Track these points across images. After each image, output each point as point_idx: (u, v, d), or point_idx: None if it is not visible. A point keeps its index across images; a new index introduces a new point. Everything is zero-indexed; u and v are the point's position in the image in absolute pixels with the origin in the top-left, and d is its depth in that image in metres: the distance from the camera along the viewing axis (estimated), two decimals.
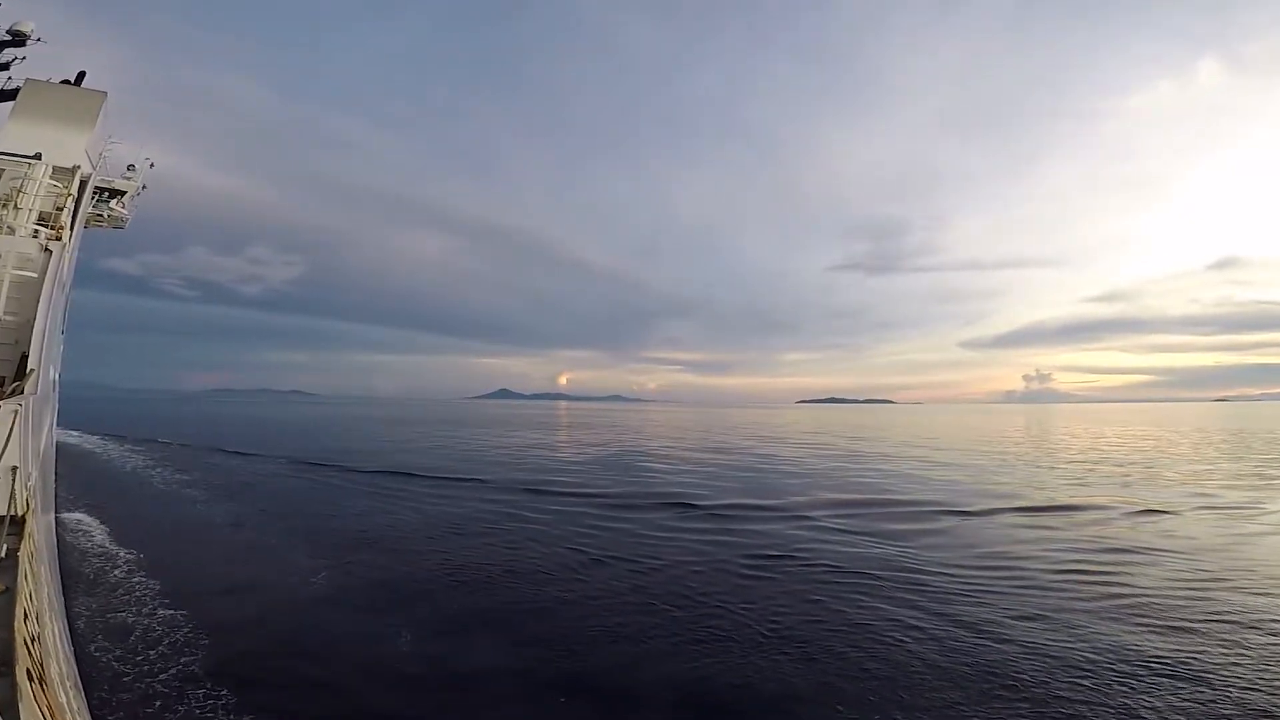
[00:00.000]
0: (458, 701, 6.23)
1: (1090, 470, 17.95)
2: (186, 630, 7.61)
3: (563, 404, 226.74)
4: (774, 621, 7.37)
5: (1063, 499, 12.89)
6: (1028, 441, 31.22)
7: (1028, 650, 6.44)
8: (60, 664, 4.59)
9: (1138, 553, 9.25)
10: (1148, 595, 7.64)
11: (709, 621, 7.41)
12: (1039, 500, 12.68)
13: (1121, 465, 19.27)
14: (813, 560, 9.95)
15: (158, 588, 9.12)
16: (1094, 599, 7.66)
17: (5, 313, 8.54)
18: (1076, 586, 8.27)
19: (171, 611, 8.18)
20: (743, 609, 7.77)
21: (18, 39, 14.77)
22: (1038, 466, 18.77)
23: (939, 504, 13.10)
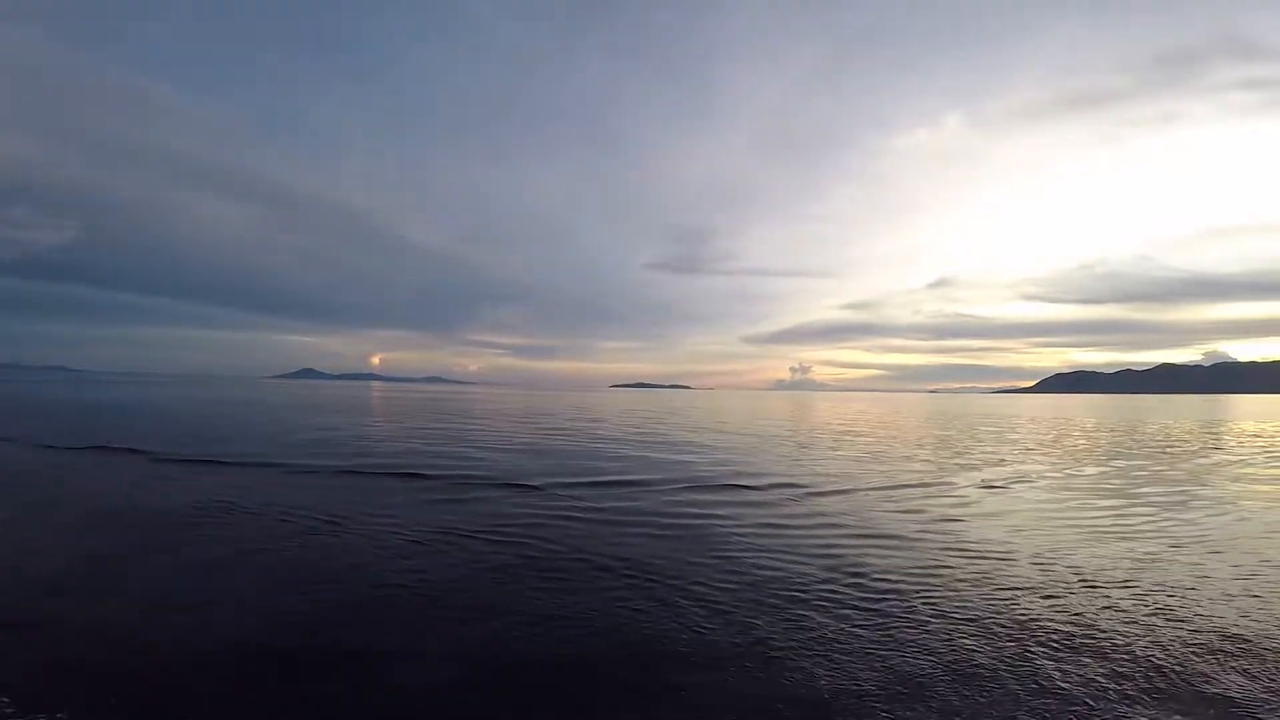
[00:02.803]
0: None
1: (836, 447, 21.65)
2: None
3: (374, 385, 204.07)
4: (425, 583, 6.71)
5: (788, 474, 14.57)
6: (793, 422, 37.03)
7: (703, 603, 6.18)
8: None
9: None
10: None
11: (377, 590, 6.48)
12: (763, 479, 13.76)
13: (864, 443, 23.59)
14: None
15: None
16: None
17: None
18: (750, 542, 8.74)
19: None
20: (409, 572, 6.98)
21: None
22: (793, 447, 21.15)
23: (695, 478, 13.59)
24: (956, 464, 17.18)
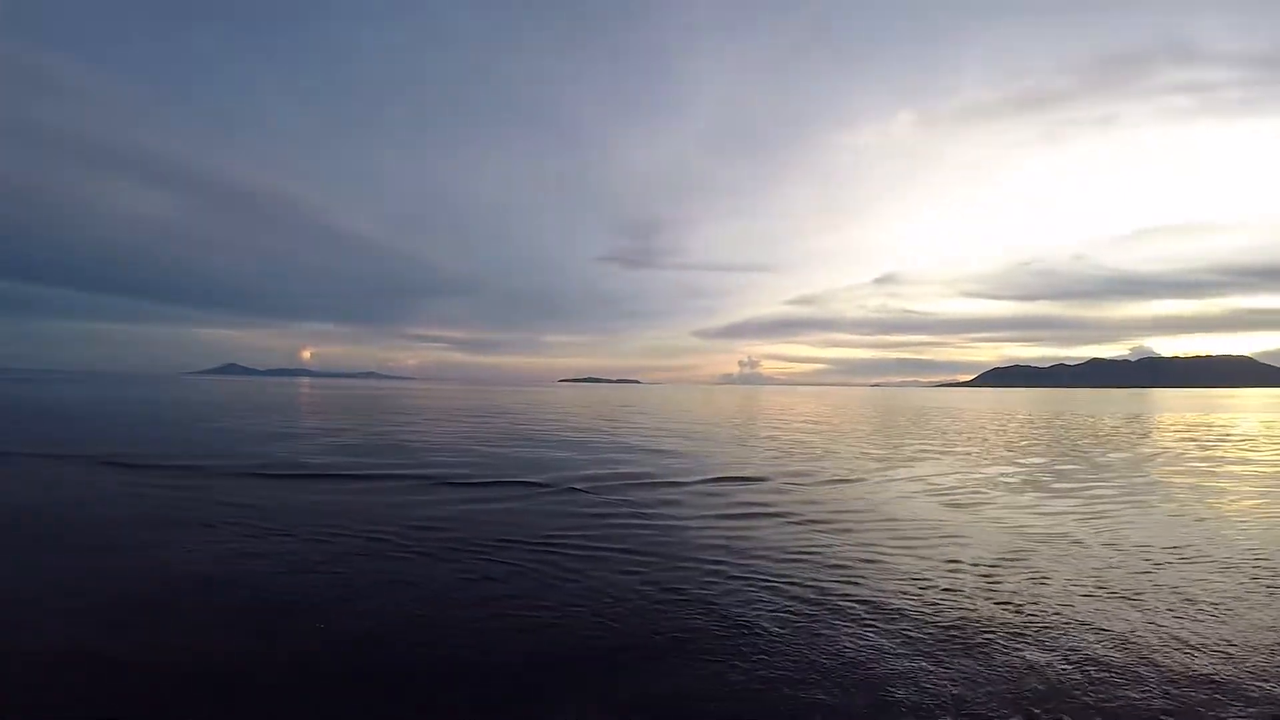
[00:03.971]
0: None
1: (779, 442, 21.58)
2: None
3: (304, 380, 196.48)
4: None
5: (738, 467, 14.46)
6: (742, 415, 38.89)
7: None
8: None
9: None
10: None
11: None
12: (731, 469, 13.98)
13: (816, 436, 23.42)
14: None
15: None
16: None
17: None
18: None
19: None
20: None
21: None
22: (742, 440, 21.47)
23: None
24: (887, 455, 18.18)
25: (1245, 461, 17.45)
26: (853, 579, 6.78)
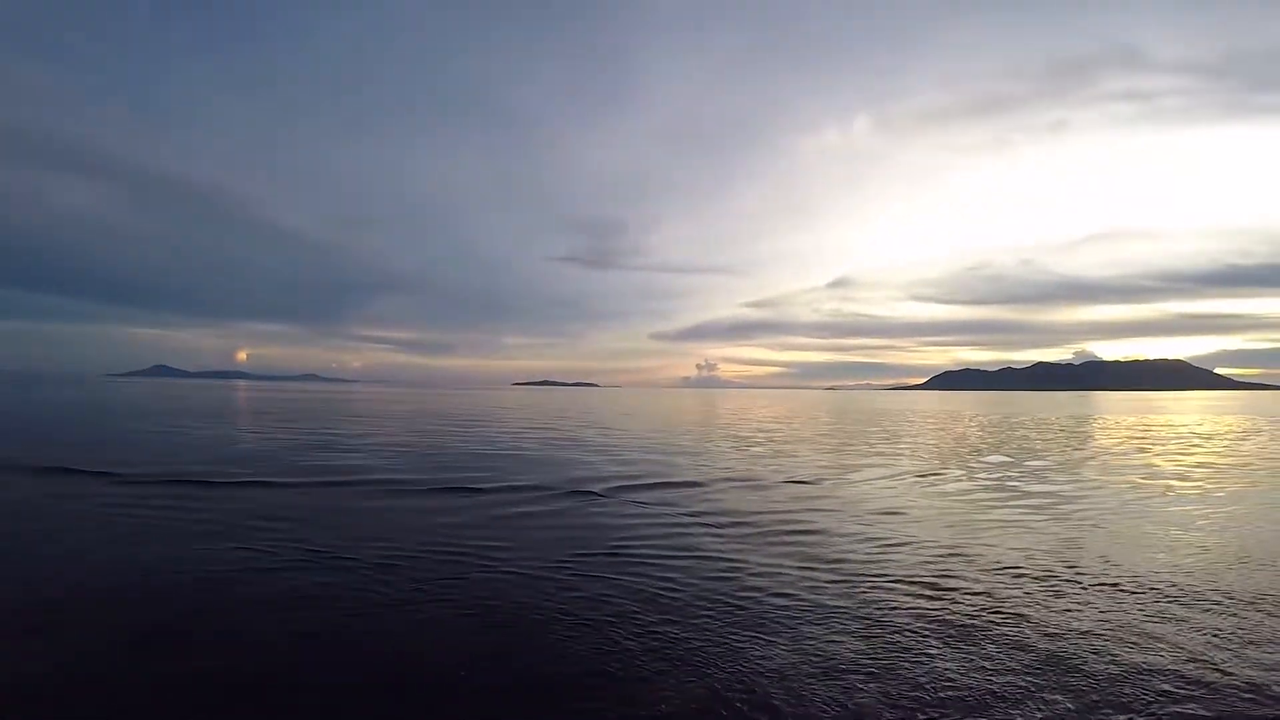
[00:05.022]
0: None
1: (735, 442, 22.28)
2: None
3: (238, 384, 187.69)
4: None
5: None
6: (700, 419, 38.37)
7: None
8: None
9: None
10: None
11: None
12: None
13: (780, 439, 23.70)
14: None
15: None
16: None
17: None
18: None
19: None
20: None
21: None
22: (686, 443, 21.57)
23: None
24: (835, 457, 18.28)
25: (1179, 461, 17.95)
26: (782, 586, 6.50)
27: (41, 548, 7.42)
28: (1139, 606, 5.91)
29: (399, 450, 18.25)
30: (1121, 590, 6.40)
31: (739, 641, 5.05)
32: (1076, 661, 4.70)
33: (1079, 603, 6.04)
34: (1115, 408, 68.51)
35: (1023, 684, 4.36)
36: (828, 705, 4.06)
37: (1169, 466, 16.41)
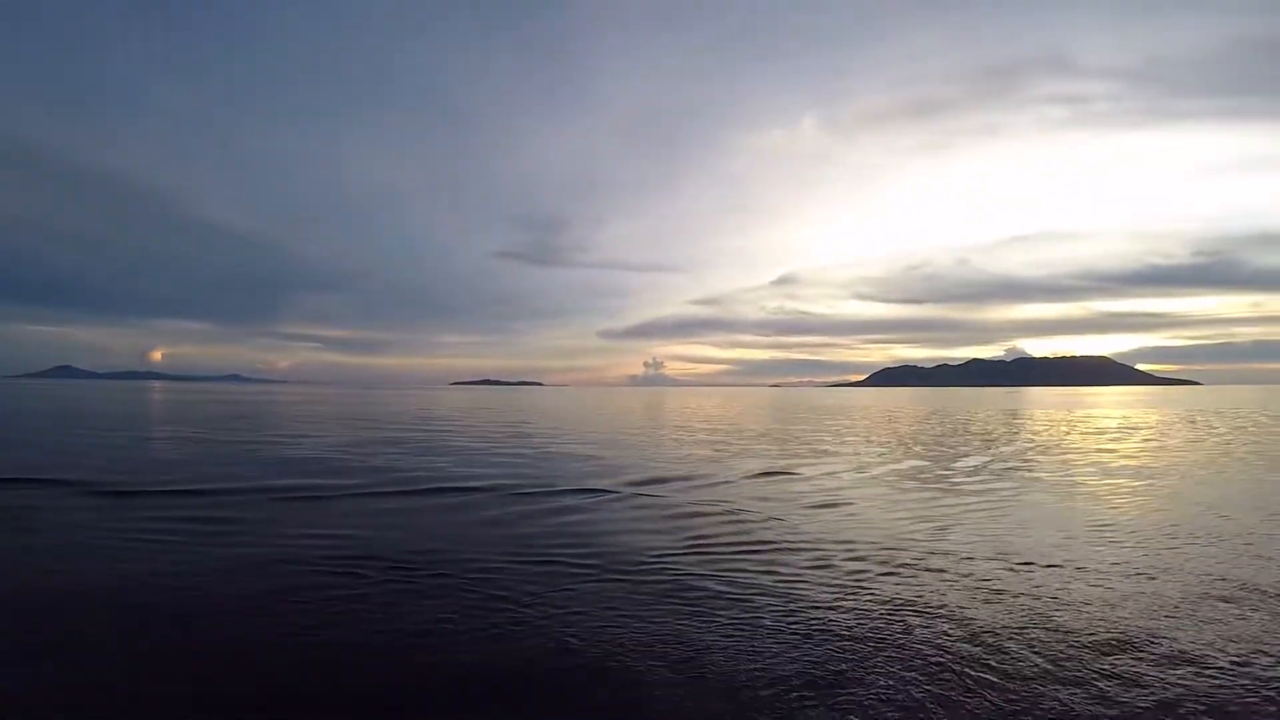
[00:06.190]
0: None
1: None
2: None
3: (153, 385, 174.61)
4: None
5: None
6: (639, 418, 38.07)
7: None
8: None
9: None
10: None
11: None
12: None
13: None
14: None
15: None
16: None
17: None
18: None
19: None
20: None
21: None
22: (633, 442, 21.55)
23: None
24: (771, 453, 18.69)
25: (1108, 451, 19.21)
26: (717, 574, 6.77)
27: None
28: (1075, 583, 6.38)
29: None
30: (1057, 568, 6.88)
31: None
32: (1016, 639, 5.00)
33: (1022, 586, 6.34)
34: (1045, 402, 72.56)
35: (955, 680, 4.39)
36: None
37: (1098, 456, 17.71)
